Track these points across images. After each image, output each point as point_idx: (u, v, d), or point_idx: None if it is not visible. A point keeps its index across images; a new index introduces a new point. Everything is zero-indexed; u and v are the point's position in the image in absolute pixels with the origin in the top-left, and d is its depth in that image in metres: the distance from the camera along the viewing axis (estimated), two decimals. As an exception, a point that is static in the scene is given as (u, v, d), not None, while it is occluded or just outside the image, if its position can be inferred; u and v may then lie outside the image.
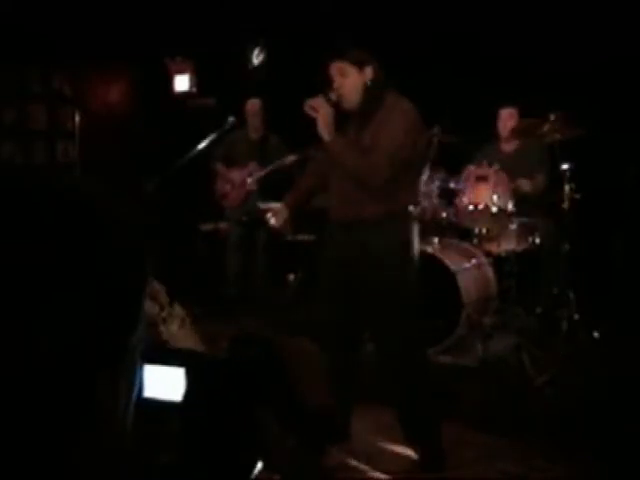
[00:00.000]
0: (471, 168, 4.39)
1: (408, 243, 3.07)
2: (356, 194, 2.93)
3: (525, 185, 4.55)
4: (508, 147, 4.88)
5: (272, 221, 3.30)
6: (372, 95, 2.97)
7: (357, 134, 2.97)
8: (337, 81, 2.97)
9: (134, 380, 0.63)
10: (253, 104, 5.60)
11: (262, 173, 5.43)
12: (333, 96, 2.95)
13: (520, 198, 4.40)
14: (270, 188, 5.52)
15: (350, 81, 2.96)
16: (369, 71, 2.97)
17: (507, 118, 4.82)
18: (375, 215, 2.93)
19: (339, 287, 3.06)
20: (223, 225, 5.87)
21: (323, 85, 3.02)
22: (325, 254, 3.19)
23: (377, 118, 2.94)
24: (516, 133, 4.60)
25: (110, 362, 0.58)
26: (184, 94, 6.79)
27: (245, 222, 5.58)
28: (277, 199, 5.53)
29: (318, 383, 0.76)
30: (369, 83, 2.97)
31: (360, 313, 3.07)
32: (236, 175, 5.59)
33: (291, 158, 5.27)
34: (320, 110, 2.90)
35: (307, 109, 2.94)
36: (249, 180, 5.50)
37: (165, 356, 0.82)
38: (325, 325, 3.10)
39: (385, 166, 2.86)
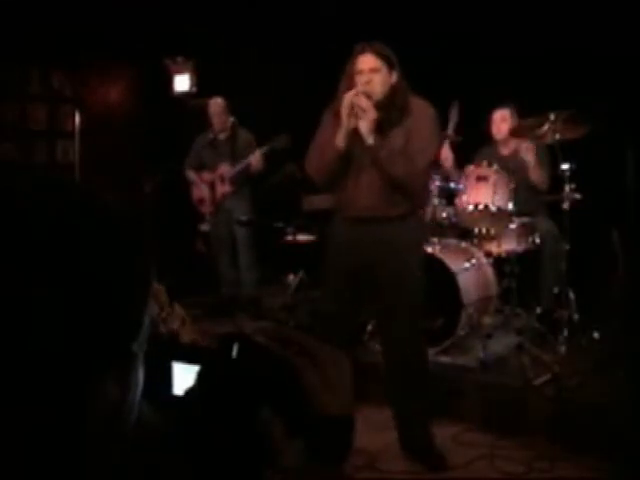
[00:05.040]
0: (471, 168, 4.38)
1: (423, 242, 3.14)
2: (389, 193, 2.94)
3: (529, 148, 4.45)
4: (505, 150, 4.87)
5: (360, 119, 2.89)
6: (399, 99, 2.92)
7: (382, 137, 2.92)
8: (367, 75, 2.89)
9: (138, 381, 0.63)
10: (217, 104, 5.48)
11: (232, 173, 5.39)
12: (367, 94, 2.85)
13: (525, 194, 4.40)
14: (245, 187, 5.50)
15: (380, 78, 2.90)
16: (395, 75, 2.94)
17: (500, 120, 4.80)
18: (402, 214, 2.98)
19: (347, 283, 3.05)
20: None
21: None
22: (335, 249, 3.14)
23: (406, 124, 2.92)
24: (515, 134, 4.60)
25: (114, 364, 0.58)
26: (184, 94, 6.79)
27: (227, 224, 5.51)
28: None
29: (338, 391, 0.75)
30: (394, 86, 2.92)
31: (363, 310, 3.09)
32: (207, 178, 5.53)
33: (257, 153, 5.24)
34: (368, 113, 2.83)
35: (349, 108, 2.83)
36: (220, 181, 5.45)
37: (193, 354, 0.82)
38: (327, 321, 3.10)
39: (425, 173, 2.98)
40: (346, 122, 2.86)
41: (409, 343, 3.04)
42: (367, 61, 2.90)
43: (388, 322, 3.09)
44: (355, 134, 2.90)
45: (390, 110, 2.92)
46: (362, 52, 2.92)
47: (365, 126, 2.85)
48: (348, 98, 2.83)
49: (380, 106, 2.89)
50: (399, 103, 2.94)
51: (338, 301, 3.08)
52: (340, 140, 2.91)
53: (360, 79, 2.89)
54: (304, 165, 3.17)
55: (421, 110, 2.98)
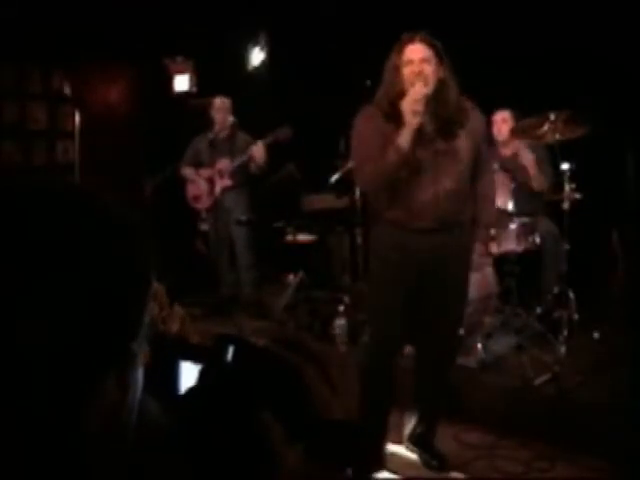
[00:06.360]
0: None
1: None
2: (459, 200, 2.81)
3: (530, 158, 4.49)
4: (506, 151, 4.87)
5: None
6: (452, 96, 2.74)
7: (436, 135, 2.76)
8: (417, 65, 2.66)
9: (137, 381, 0.63)
10: (223, 102, 5.49)
11: (233, 165, 5.38)
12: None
13: (525, 194, 4.40)
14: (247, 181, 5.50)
15: (431, 70, 2.68)
16: (442, 70, 2.73)
17: (501, 122, 4.81)
18: (467, 220, 2.92)
19: (405, 297, 2.85)
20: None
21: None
22: (394, 263, 2.84)
23: (469, 128, 2.79)
24: (515, 134, 4.60)
25: (113, 363, 0.58)
26: (184, 94, 6.79)
27: (226, 224, 5.51)
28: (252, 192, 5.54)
29: (343, 396, 0.75)
30: (442, 81, 2.72)
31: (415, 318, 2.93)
32: (205, 174, 5.54)
33: (259, 146, 5.23)
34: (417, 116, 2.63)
35: (415, 105, 2.60)
36: (219, 176, 5.45)
37: (201, 354, 0.82)
38: (385, 337, 2.90)
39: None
40: (411, 120, 2.61)
41: (452, 344, 3.04)
42: (417, 50, 2.67)
43: (439, 322, 2.96)
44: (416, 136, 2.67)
45: (448, 108, 2.73)
46: (411, 41, 2.69)
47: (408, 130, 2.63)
48: (414, 94, 2.61)
49: (436, 104, 2.71)
50: (453, 100, 2.74)
51: (396, 320, 2.86)
52: (404, 141, 2.63)
53: (409, 70, 2.67)
54: (356, 178, 2.91)
55: (477, 116, 2.87)
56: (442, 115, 2.74)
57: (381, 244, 2.88)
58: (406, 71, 2.67)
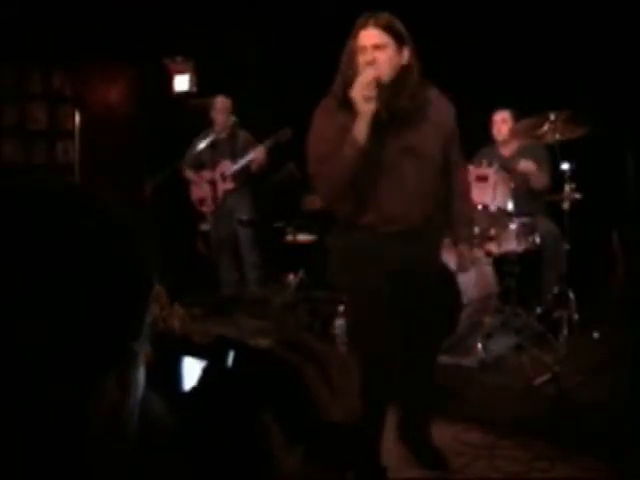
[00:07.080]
0: (471, 168, 4.38)
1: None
2: (431, 198, 2.60)
3: (529, 165, 4.51)
4: (506, 151, 4.88)
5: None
6: (412, 83, 2.46)
7: (396, 129, 2.49)
8: (370, 53, 2.40)
9: (138, 380, 0.63)
10: (223, 102, 5.52)
11: (235, 168, 5.40)
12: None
13: (525, 194, 4.41)
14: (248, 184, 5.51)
15: (386, 57, 2.41)
16: (406, 53, 2.46)
17: (501, 122, 4.82)
18: (440, 219, 2.76)
19: (389, 300, 2.62)
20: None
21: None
22: (373, 273, 2.57)
23: (433, 119, 2.54)
24: (515, 134, 4.60)
25: (114, 363, 0.58)
26: (184, 94, 6.79)
27: (228, 225, 5.52)
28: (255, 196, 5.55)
29: (345, 398, 0.75)
30: (405, 67, 2.45)
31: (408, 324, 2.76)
32: (207, 176, 5.54)
33: (260, 149, 5.26)
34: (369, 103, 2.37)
35: (366, 90, 2.32)
36: (221, 179, 5.46)
37: (203, 351, 0.82)
38: (384, 357, 2.65)
39: None
40: (363, 107, 2.35)
41: (439, 343, 3.05)
42: (370, 36, 2.41)
43: (424, 320, 2.84)
44: (375, 126, 2.39)
45: (400, 96, 2.44)
46: (364, 26, 2.45)
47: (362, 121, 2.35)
48: (364, 78, 2.36)
49: (389, 91, 2.43)
50: (409, 87, 2.46)
51: (382, 325, 2.63)
52: (359, 131, 2.36)
53: (362, 58, 2.42)
54: (314, 182, 2.61)
55: (444, 106, 2.62)
56: (394, 104, 2.45)
57: (354, 252, 2.62)
58: (360, 59, 2.43)
